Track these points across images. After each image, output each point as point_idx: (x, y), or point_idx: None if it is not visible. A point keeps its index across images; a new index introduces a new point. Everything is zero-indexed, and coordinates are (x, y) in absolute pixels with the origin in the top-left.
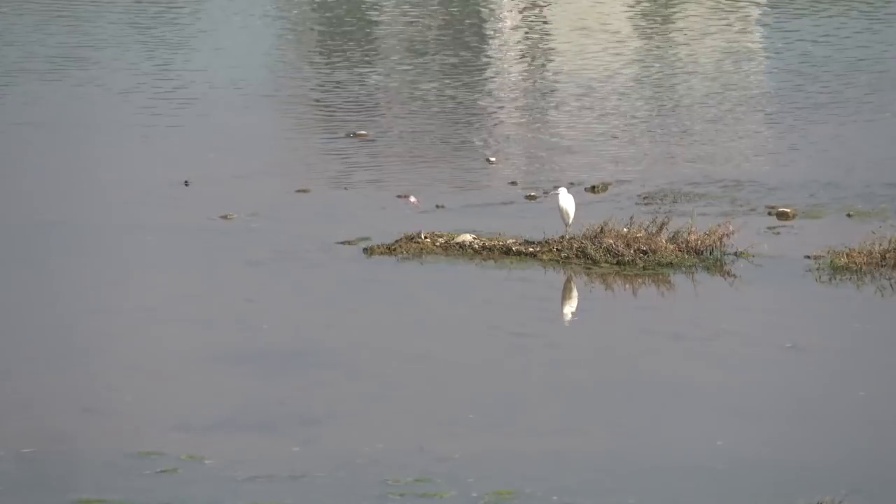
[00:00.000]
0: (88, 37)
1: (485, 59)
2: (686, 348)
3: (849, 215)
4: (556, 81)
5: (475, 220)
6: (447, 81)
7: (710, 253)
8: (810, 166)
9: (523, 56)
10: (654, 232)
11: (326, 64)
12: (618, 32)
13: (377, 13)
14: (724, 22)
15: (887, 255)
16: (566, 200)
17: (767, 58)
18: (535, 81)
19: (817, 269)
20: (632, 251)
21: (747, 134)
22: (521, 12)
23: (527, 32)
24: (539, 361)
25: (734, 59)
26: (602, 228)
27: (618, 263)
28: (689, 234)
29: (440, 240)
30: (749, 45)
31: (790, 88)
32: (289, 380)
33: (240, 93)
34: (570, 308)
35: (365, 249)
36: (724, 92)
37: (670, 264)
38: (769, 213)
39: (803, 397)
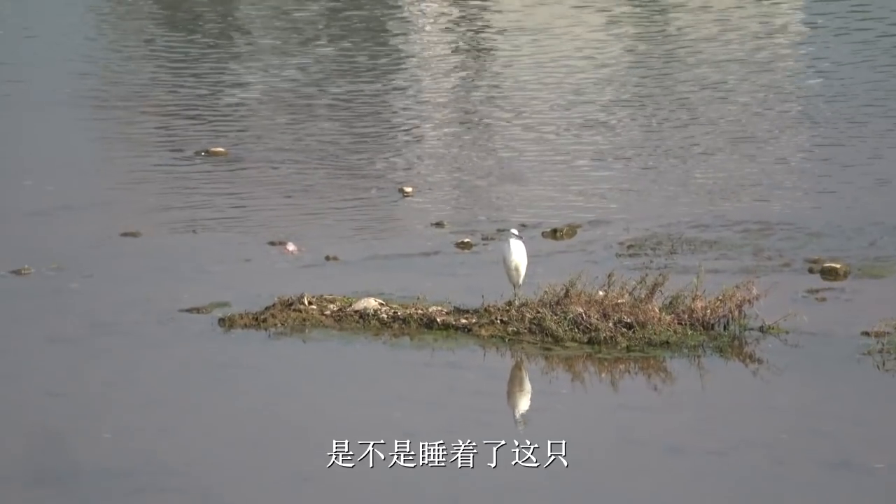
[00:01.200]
0: None
1: (399, 54)
2: (690, 468)
3: None
4: (498, 84)
5: (383, 278)
6: (345, 82)
7: (725, 327)
8: (868, 203)
9: (454, 51)
10: (642, 296)
11: (171, 58)
12: (586, 23)
13: None
14: None
15: None
16: (516, 250)
17: (805, 52)
18: (470, 83)
19: (879, 351)
20: (611, 324)
21: (778, 155)
22: None
23: (460, 21)
24: (475, 487)
25: (758, 48)
26: (567, 291)
27: (590, 342)
28: (693, 299)
29: (331, 307)
30: (778, 32)
31: (836, 95)
32: None
33: (50, 96)
34: (520, 408)
35: (221, 320)
36: (745, 94)
37: (666, 343)
38: (810, 270)
39: None
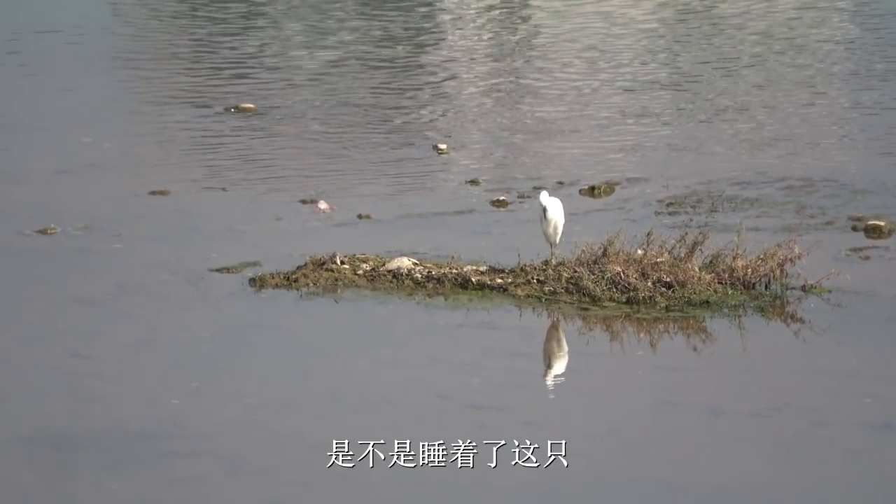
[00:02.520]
0: None
1: (434, 14)
2: (731, 429)
3: None
4: (534, 43)
5: (416, 237)
6: (377, 36)
7: (766, 287)
8: None
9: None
10: (682, 255)
11: (198, 14)
12: None
13: None
14: None
15: None
16: (553, 208)
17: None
18: (505, 42)
19: None
20: (649, 283)
21: (821, 111)
22: None
23: None
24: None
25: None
26: (605, 250)
27: (628, 302)
28: (734, 258)
29: (364, 266)
30: None
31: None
32: (139, 476)
33: (73, 49)
34: (557, 369)
35: (252, 280)
36: (787, 48)
37: (706, 303)
38: (854, 228)
39: None
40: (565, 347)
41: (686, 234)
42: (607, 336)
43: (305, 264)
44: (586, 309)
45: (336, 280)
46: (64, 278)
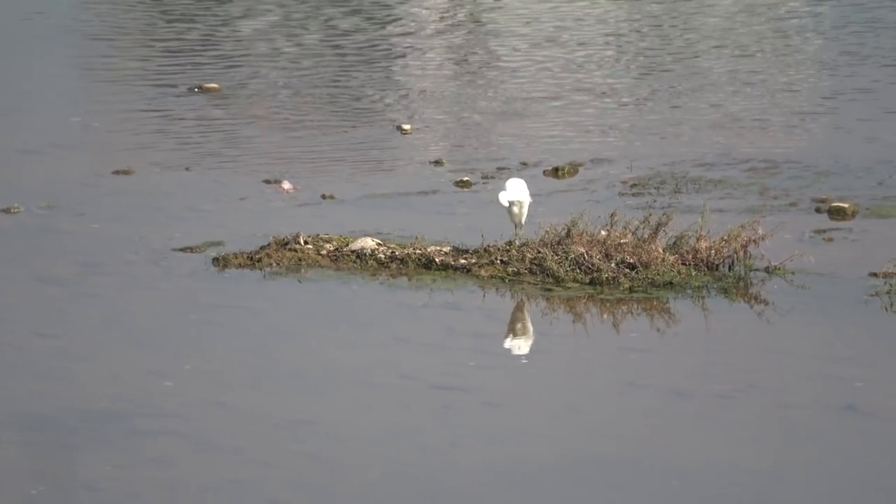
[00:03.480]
0: None
1: None
2: (694, 411)
3: None
4: (498, 22)
5: (380, 218)
6: (341, 13)
7: (730, 268)
8: (878, 140)
9: None
10: (645, 236)
11: None
12: None
13: None
14: None
15: None
16: (517, 189)
17: None
18: (471, 20)
19: (887, 292)
20: (613, 264)
21: (785, 93)
22: None
23: None
24: (473, 430)
25: None
26: (569, 231)
27: (592, 283)
28: (697, 239)
29: (328, 246)
30: None
31: (844, 33)
32: (102, 455)
33: (31, 26)
34: (520, 349)
35: (216, 260)
36: (751, 33)
37: (670, 284)
38: (817, 210)
39: (870, 483)
40: (529, 328)
41: (650, 215)
42: (571, 317)
43: (269, 244)
44: (550, 290)
45: (299, 260)
46: (27, 257)
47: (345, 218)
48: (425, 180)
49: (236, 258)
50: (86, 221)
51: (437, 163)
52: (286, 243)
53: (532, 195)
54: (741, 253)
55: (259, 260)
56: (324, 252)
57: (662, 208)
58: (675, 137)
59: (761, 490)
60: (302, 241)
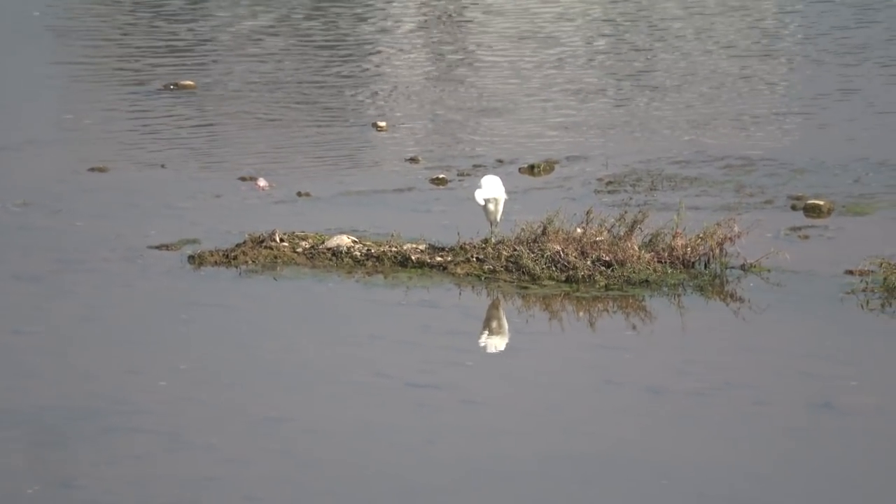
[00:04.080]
0: None
1: None
2: (670, 409)
3: None
4: (472, 19)
5: (356, 215)
6: (317, 9)
7: (706, 266)
8: (854, 138)
9: None
10: (621, 234)
11: None
12: None
13: None
14: None
15: None
16: (492, 187)
17: None
18: (446, 17)
19: (864, 290)
20: (589, 262)
21: (761, 91)
22: None
23: None
24: (450, 427)
25: None
26: (545, 228)
27: (567, 281)
28: (673, 237)
29: (303, 244)
30: None
31: (821, 31)
32: (79, 452)
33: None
34: (495, 346)
35: (191, 257)
36: (727, 30)
37: (646, 282)
38: (793, 208)
39: (847, 480)
40: (505, 326)
41: (626, 212)
42: (546, 315)
43: (244, 242)
44: (526, 287)
45: (275, 258)
46: (3, 255)
47: (320, 215)
48: (401, 178)
49: (212, 256)
50: (62, 218)
51: (413, 160)
52: (262, 241)
53: (508, 192)
54: (717, 251)
55: (235, 258)
56: (299, 250)
57: (638, 206)
58: (651, 134)
59: (737, 488)
60: (277, 239)
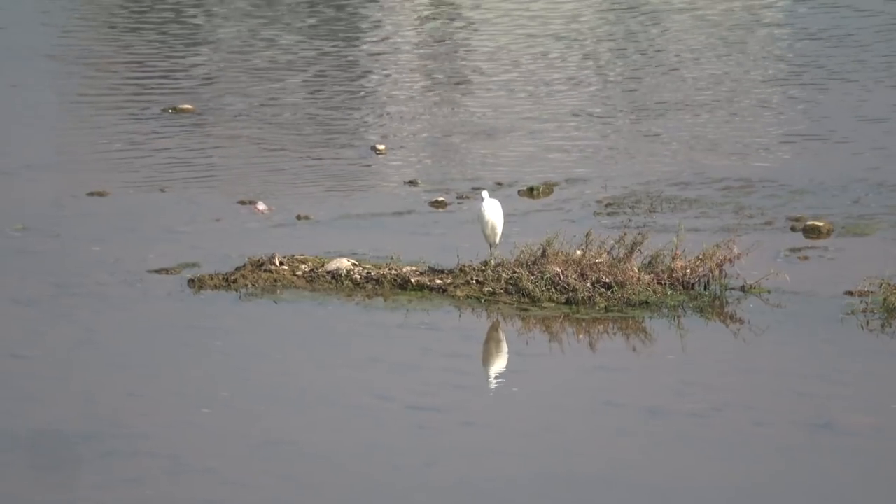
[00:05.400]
0: None
1: (371, 11)
2: (670, 429)
3: None
4: (470, 44)
5: (355, 238)
6: (315, 37)
7: (706, 287)
8: (853, 159)
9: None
10: (621, 256)
11: (134, 16)
12: None
13: None
14: None
15: None
16: (491, 209)
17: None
18: (442, 43)
19: (863, 311)
20: (589, 284)
21: (759, 113)
22: None
23: None
24: (450, 449)
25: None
26: (544, 250)
27: (567, 302)
28: (673, 259)
29: (303, 267)
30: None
31: (819, 54)
32: (78, 476)
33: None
34: (495, 369)
35: (191, 281)
36: (725, 54)
37: (646, 304)
38: (792, 229)
39: (845, 500)
40: (504, 348)
41: (625, 234)
42: (546, 337)
43: (244, 265)
44: (526, 309)
45: (275, 281)
46: (2, 279)
47: (320, 238)
48: (400, 200)
49: (212, 279)
50: (61, 243)
51: (412, 183)
52: (261, 264)
53: (507, 215)
54: (717, 272)
55: (234, 281)
56: (299, 273)
57: (638, 228)
58: (650, 157)
59: None
60: (277, 262)
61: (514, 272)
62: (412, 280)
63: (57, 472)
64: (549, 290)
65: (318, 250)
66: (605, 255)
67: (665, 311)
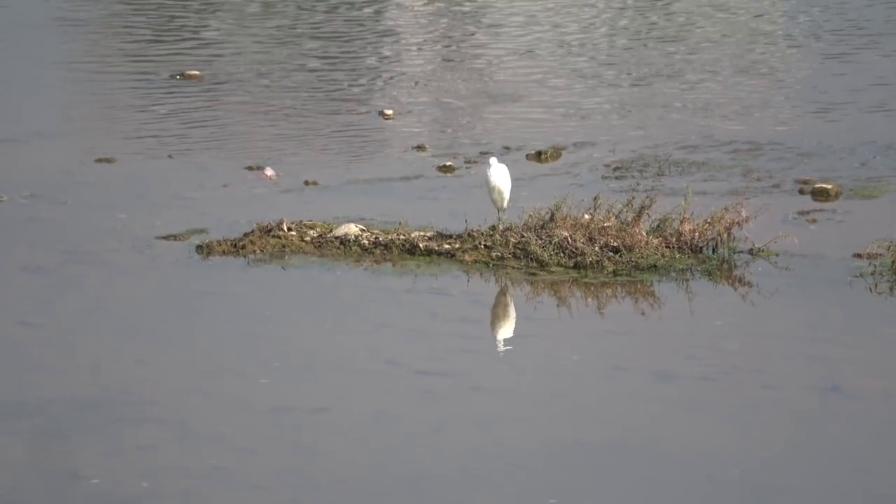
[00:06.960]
0: None
1: None
2: (679, 393)
3: None
4: (479, 7)
5: (364, 203)
6: (323, 6)
7: (714, 250)
8: (861, 121)
9: None
10: (629, 219)
11: None
12: None
13: None
14: None
15: None
16: (499, 174)
17: None
18: (450, 6)
19: (872, 273)
20: (597, 248)
21: (768, 75)
22: None
23: None
24: (459, 415)
25: None
26: (553, 215)
27: (576, 267)
28: (681, 222)
29: (311, 233)
30: None
31: (827, 16)
32: (87, 443)
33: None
34: (504, 334)
35: (199, 247)
36: (734, 15)
37: (654, 267)
38: (801, 191)
39: (855, 463)
40: (513, 313)
41: (633, 198)
42: (555, 301)
43: (252, 231)
44: (534, 274)
45: (283, 247)
46: (10, 246)
47: (328, 204)
48: (408, 165)
49: (220, 245)
50: (69, 210)
51: (420, 148)
52: (270, 230)
53: (515, 179)
54: (725, 235)
55: (243, 247)
56: (307, 238)
57: (646, 191)
58: (658, 120)
59: (746, 471)
60: (285, 228)
61: (523, 236)
62: (420, 245)
63: (65, 440)
64: (557, 254)
65: (327, 216)
66: (613, 219)
67: (673, 274)
